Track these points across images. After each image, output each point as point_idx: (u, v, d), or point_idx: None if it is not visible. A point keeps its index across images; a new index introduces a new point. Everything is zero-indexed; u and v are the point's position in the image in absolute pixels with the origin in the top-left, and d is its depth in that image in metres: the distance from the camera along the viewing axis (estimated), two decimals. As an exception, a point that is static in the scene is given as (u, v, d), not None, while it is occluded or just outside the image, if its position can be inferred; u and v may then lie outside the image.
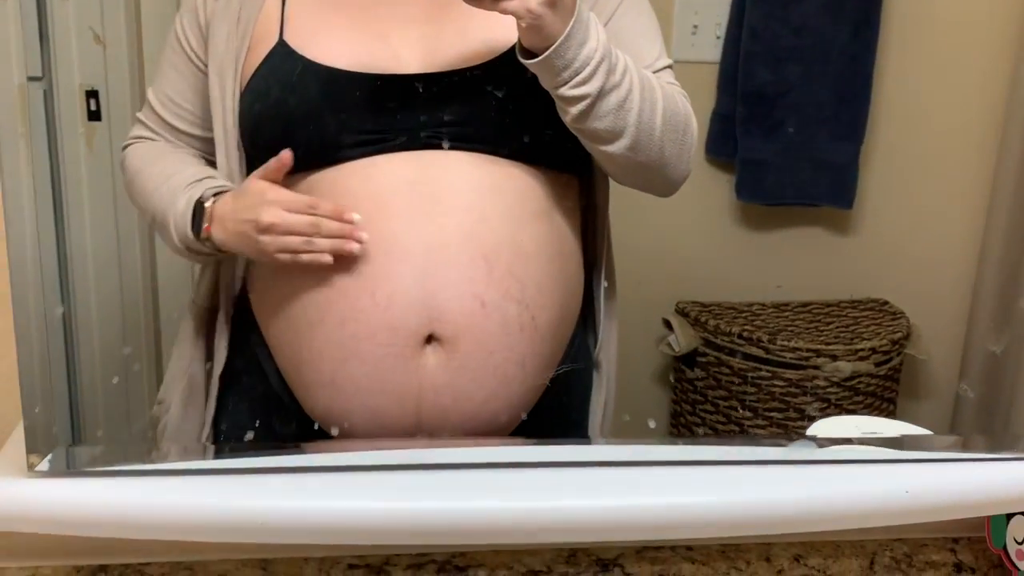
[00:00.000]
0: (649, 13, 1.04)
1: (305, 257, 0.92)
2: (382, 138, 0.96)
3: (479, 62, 0.95)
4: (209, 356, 1.07)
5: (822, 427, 0.97)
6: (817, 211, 1.76)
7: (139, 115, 1.08)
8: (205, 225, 0.96)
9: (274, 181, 0.94)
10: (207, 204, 0.96)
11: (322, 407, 0.97)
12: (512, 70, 0.91)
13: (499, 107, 0.94)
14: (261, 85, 0.99)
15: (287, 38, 0.99)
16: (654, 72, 0.99)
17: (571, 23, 0.87)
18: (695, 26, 1.68)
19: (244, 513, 0.84)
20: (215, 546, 0.99)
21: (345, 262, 0.93)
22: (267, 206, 0.92)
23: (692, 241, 1.71)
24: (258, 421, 1.05)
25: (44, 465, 0.88)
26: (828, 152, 1.69)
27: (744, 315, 1.67)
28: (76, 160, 1.35)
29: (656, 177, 0.99)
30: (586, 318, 1.07)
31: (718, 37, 1.68)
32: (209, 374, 1.07)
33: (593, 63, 0.89)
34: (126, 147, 1.08)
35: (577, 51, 0.88)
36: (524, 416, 1.00)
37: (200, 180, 0.99)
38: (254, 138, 1.00)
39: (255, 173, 0.95)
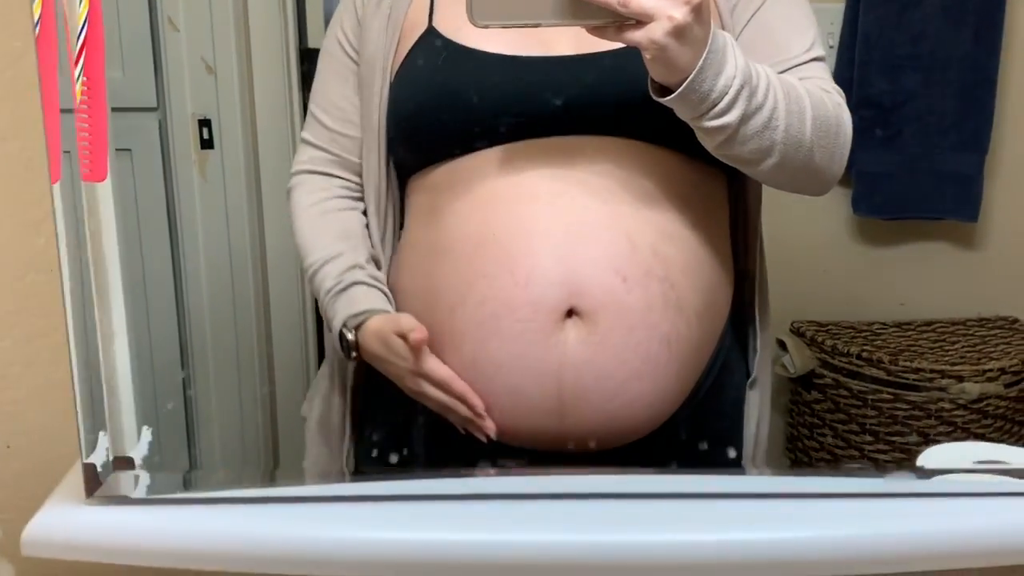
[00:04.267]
0: (800, 2, 1.00)
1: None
2: (528, 121, 0.95)
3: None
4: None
5: (935, 455, 0.91)
6: (940, 225, 1.69)
7: (303, 135, 1.10)
8: (353, 354, 1.00)
9: (412, 344, 0.96)
10: (349, 336, 1.00)
11: None
12: None
13: (644, 91, 0.89)
14: (409, 71, 1.00)
15: (436, 24, 1.00)
16: (802, 64, 0.96)
17: (704, 54, 0.83)
18: (807, 36, 1.63)
19: (297, 543, 0.84)
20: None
21: (485, 246, 0.94)
22: (411, 377, 0.97)
23: (807, 258, 1.66)
24: (398, 414, 1.05)
25: (140, 491, 0.90)
26: (951, 163, 1.63)
27: (863, 335, 1.61)
28: (189, 188, 1.38)
29: (807, 184, 0.96)
30: (736, 325, 1.04)
31: (831, 46, 1.64)
32: (344, 370, 1.09)
33: (732, 92, 0.85)
34: (295, 175, 1.10)
35: (713, 82, 0.84)
36: (675, 408, 0.97)
37: (344, 290, 1.02)
38: (400, 125, 1.01)
39: (393, 326, 0.98)
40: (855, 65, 1.60)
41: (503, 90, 0.96)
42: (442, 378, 0.96)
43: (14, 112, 1.21)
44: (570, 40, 0.95)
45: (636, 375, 0.93)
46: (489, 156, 0.96)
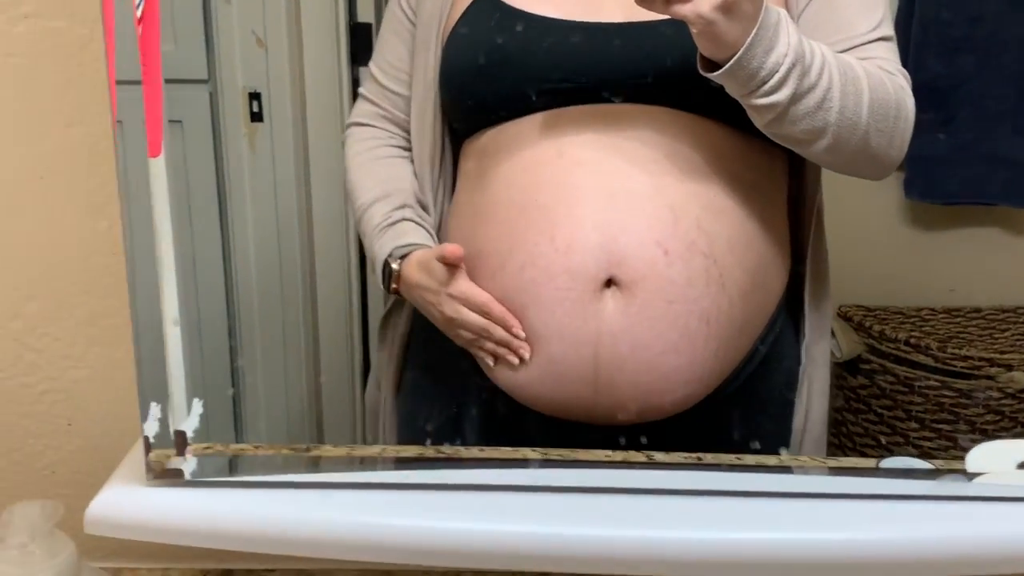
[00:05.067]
0: None
1: (474, 349, 0.98)
2: (575, 87, 0.95)
3: None
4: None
5: (982, 455, 0.89)
6: (993, 211, 1.66)
7: (361, 90, 1.12)
8: (393, 286, 1.02)
9: (453, 265, 0.97)
10: (393, 266, 1.02)
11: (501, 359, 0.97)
12: None
13: (693, 61, 0.89)
14: (461, 33, 1.00)
15: None
16: (866, 44, 0.95)
17: (754, 30, 0.82)
18: (861, 17, 1.61)
19: (352, 528, 0.85)
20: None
21: (527, 212, 0.94)
22: (449, 300, 0.97)
23: (856, 241, 1.64)
24: (440, 386, 1.07)
25: (185, 471, 0.91)
26: (1006, 148, 1.59)
27: (912, 320, 1.59)
28: (239, 160, 1.39)
29: (864, 168, 0.95)
30: (790, 308, 1.03)
31: (886, 28, 1.61)
32: (392, 341, 1.11)
33: (783, 70, 0.84)
34: (349, 127, 1.12)
35: (763, 59, 0.83)
36: (713, 388, 0.97)
37: (392, 224, 1.03)
38: (450, 86, 1.01)
39: (435, 252, 0.98)
40: (910, 47, 1.57)
41: (551, 54, 0.96)
42: (481, 301, 0.96)
43: (79, 98, 1.24)
44: (621, 7, 0.94)
45: (673, 348, 0.93)
46: (535, 121, 0.96)
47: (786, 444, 1.05)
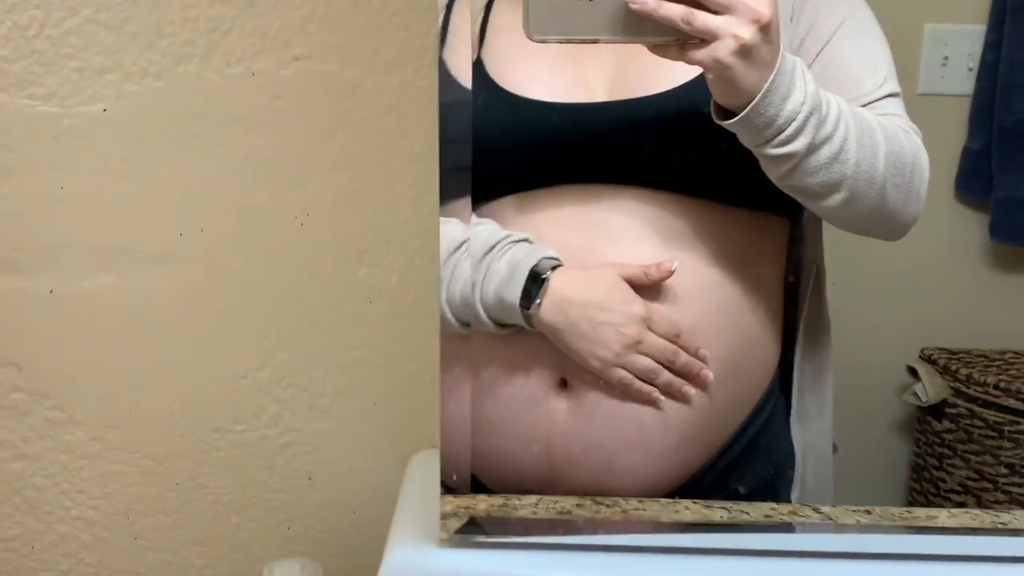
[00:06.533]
0: (874, 35, 0.96)
1: (641, 386, 0.90)
2: (552, 170, 0.92)
3: (669, 87, 0.89)
4: None
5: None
6: (1079, 254, 1.63)
7: None
8: (537, 301, 0.91)
9: (645, 287, 0.90)
10: (545, 276, 0.90)
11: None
12: (695, 96, 0.85)
13: (677, 137, 0.88)
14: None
15: (484, 56, 0.97)
16: (875, 101, 0.92)
17: (771, 77, 0.79)
18: (945, 57, 1.60)
19: None
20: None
21: None
22: (635, 319, 0.90)
23: (940, 283, 1.62)
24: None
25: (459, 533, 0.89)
26: (1092, 191, 1.57)
27: (997, 364, 1.56)
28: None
29: (879, 226, 0.91)
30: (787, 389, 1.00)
31: (970, 68, 1.59)
32: None
33: (800, 118, 0.81)
34: None
35: (780, 107, 0.80)
36: (681, 483, 0.94)
37: (517, 241, 0.93)
38: None
39: (616, 267, 0.90)
40: (997, 89, 1.56)
41: (534, 138, 0.94)
42: (672, 322, 0.90)
43: (346, 144, 1.24)
44: (608, 84, 0.93)
45: (625, 447, 0.91)
46: (511, 203, 0.94)
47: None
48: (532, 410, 0.92)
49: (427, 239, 1.23)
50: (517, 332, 0.91)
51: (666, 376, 0.90)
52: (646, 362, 0.89)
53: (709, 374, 0.91)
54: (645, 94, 0.91)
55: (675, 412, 0.92)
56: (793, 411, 1.01)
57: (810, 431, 1.02)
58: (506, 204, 0.95)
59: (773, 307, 0.98)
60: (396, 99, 1.22)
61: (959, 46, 1.59)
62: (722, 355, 0.93)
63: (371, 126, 1.17)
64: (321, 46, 1.21)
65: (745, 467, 0.98)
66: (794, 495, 1.02)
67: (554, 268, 0.90)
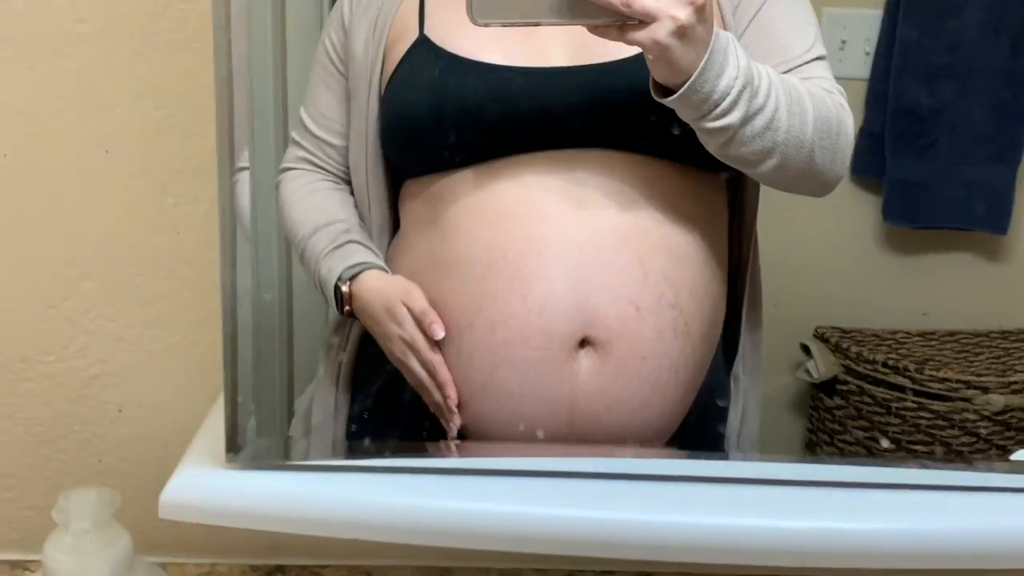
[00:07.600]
0: (801, 1, 0.99)
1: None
2: (527, 135, 0.93)
3: (628, 55, 0.91)
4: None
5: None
6: (968, 235, 1.68)
7: (293, 134, 1.09)
8: (347, 308, 1.00)
9: (427, 330, 0.96)
10: (344, 289, 1.00)
11: (472, 415, 0.96)
12: None
13: (646, 102, 0.88)
14: (402, 82, 0.98)
15: (428, 32, 0.98)
16: (804, 64, 0.95)
17: (706, 55, 0.82)
18: (843, 41, 1.62)
19: (427, 513, 0.83)
20: (394, 551, 0.97)
21: (495, 268, 0.92)
22: (401, 344, 0.97)
23: (834, 263, 1.65)
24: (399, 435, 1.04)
25: (245, 457, 0.88)
26: (983, 174, 1.61)
27: (887, 343, 1.60)
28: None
29: (808, 185, 0.95)
30: (726, 328, 1.04)
31: (867, 53, 1.63)
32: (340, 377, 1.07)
33: (734, 92, 0.84)
34: (281, 172, 1.09)
35: (715, 83, 0.83)
36: (677, 426, 0.97)
37: (339, 247, 1.02)
38: (396, 137, 0.99)
39: (404, 295, 0.97)
40: (891, 73, 1.59)
41: (500, 104, 0.94)
42: (431, 360, 0.95)
43: (150, 70, 1.19)
44: (567, 50, 0.94)
45: (646, 402, 0.94)
46: (491, 169, 0.94)
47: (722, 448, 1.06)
48: (555, 372, 0.92)
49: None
50: (534, 289, 0.92)
51: (432, 401, 0.97)
52: (414, 380, 0.98)
53: (454, 427, 0.96)
54: (605, 60, 0.92)
55: (683, 366, 0.95)
56: (738, 352, 1.05)
57: (744, 370, 1.07)
58: (463, 179, 0.96)
59: (724, 267, 1.02)
60: (202, 24, 1.16)
61: (857, 30, 1.62)
62: (707, 310, 0.97)
63: (177, 52, 1.13)
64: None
65: (706, 403, 1.03)
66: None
67: (354, 277, 0.99)
